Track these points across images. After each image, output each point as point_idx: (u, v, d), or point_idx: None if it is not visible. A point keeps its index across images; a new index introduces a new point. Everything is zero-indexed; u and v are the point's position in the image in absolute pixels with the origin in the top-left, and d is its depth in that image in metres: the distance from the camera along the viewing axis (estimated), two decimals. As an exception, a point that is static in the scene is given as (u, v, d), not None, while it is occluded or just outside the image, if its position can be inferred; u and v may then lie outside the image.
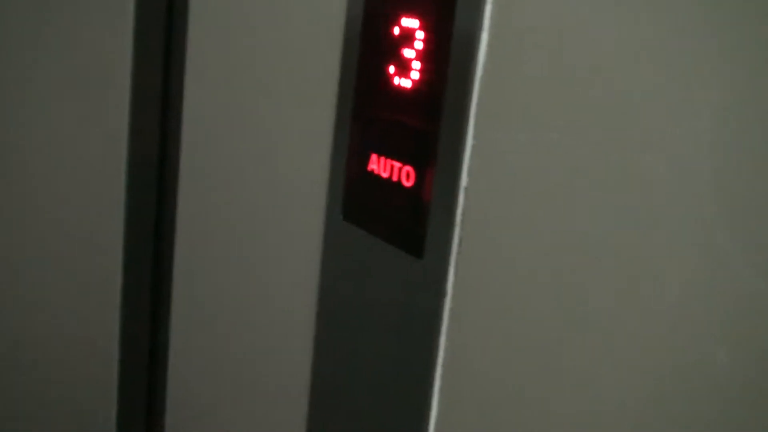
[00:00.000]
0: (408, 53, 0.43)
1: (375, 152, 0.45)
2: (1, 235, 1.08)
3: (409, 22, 0.43)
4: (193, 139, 0.65)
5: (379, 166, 0.45)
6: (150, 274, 0.93)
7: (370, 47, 0.46)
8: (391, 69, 0.44)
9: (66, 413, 1.03)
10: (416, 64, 0.43)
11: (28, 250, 1.04)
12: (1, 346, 1.13)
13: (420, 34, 0.42)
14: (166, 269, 0.84)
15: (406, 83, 0.43)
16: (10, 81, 1.01)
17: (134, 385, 0.99)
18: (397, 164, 0.44)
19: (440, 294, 0.41)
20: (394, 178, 0.44)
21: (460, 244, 0.40)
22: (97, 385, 0.95)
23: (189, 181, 0.66)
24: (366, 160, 0.46)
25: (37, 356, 1.06)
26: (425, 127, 0.42)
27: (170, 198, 0.82)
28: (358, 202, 0.47)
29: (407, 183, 0.43)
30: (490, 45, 0.39)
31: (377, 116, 0.45)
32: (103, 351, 0.92)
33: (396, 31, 0.44)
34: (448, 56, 0.40)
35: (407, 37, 0.43)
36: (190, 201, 0.66)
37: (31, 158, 1.00)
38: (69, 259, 0.98)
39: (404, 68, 0.43)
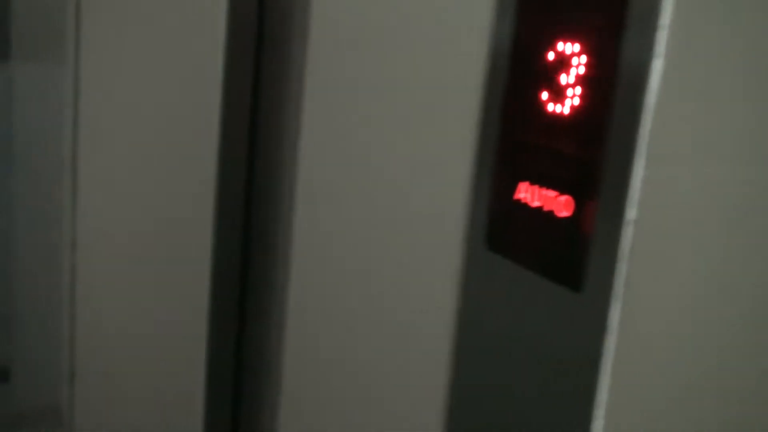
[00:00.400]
0: (565, 79, 0.42)
1: (524, 180, 0.44)
2: (92, 236, 1.10)
3: (567, 47, 0.42)
4: (316, 156, 0.64)
5: (528, 194, 0.44)
6: (238, 283, 0.93)
7: (521, 72, 0.44)
8: (544, 95, 0.43)
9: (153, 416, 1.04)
10: (576, 90, 0.41)
11: (119, 251, 1.06)
12: (87, 346, 1.15)
13: (580, 60, 0.41)
14: (256, 279, 0.83)
15: (562, 109, 0.42)
16: (101, 77, 1.02)
17: (220, 393, 0.99)
18: (550, 193, 0.42)
19: (602, 330, 0.39)
20: (546, 208, 0.42)
21: (627, 280, 0.38)
22: (183, 388, 0.96)
23: (309, 197, 0.65)
24: (513, 188, 0.44)
25: (125, 355, 1.08)
26: (586, 156, 0.40)
27: (261, 202, 0.82)
28: (504, 231, 0.45)
29: (563, 213, 0.41)
30: (665, 73, 0.37)
31: (527, 143, 0.44)
32: (189, 356, 0.93)
33: (551, 55, 0.43)
34: (614, 83, 0.39)
35: (564, 62, 0.42)
36: (310, 219, 0.65)
37: (119, 158, 1.01)
38: (157, 260, 0.99)
39: (560, 94, 0.42)
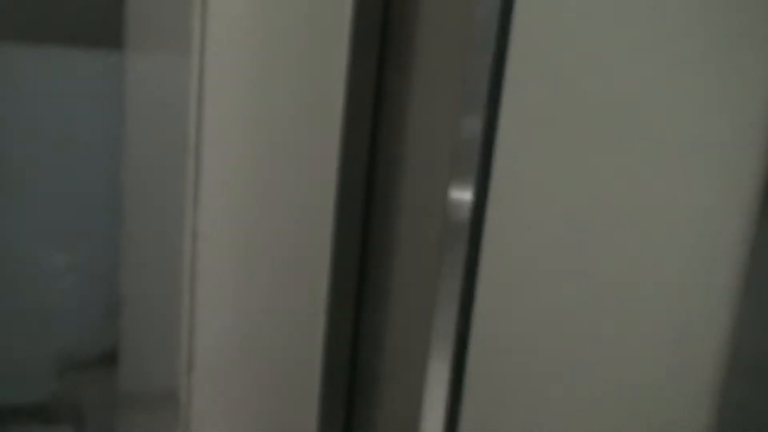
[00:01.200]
0: None
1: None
2: (213, 227, 1.10)
3: None
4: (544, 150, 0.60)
5: None
6: (356, 280, 0.92)
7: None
8: None
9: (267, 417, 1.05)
10: None
11: (239, 244, 1.06)
12: (205, 337, 1.15)
13: None
14: (373, 277, 0.82)
15: None
16: (225, 67, 1.01)
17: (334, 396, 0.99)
18: None
19: None
20: None
21: None
22: (299, 382, 0.96)
23: (522, 193, 0.62)
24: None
25: (242, 348, 1.08)
26: None
27: (381, 199, 0.80)
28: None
29: None
30: None
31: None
32: (306, 350, 0.93)
33: None
34: None
35: None
36: (523, 218, 0.62)
37: (241, 150, 1.01)
38: (277, 254, 0.99)
39: None
